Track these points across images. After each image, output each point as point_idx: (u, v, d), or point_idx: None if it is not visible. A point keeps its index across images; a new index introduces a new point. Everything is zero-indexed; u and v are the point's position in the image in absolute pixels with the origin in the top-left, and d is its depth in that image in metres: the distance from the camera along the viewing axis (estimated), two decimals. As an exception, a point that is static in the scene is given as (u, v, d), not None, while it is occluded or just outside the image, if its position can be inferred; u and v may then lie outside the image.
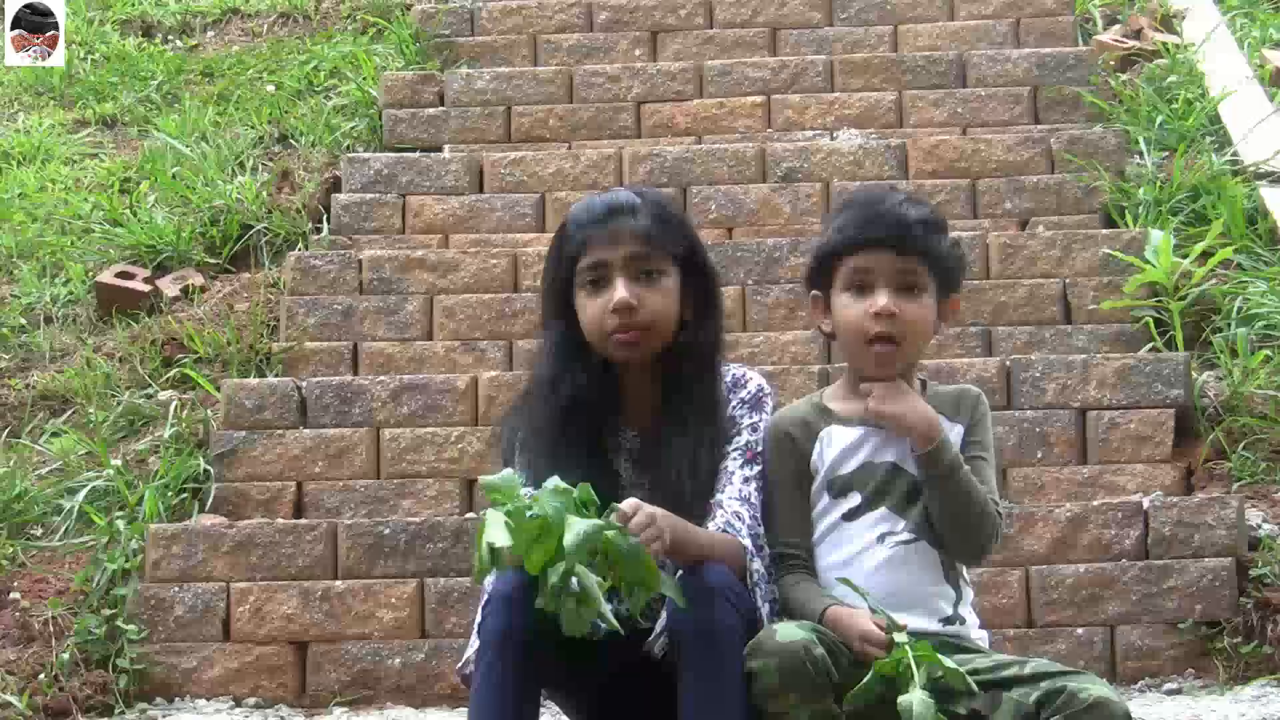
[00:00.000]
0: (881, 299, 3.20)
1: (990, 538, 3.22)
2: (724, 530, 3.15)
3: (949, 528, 3.18)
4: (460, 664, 3.21)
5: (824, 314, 3.31)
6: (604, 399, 3.20)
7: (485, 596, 3.11)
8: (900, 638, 3.02)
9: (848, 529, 3.21)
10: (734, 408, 3.28)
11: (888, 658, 3.00)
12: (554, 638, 3.03)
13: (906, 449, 3.22)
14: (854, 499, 3.22)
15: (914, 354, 3.28)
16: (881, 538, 3.19)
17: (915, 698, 2.93)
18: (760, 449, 3.26)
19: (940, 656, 3.00)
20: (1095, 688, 2.97)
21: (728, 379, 3.31)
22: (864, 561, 3.18)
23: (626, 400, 3.27)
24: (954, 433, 3.24)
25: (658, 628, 3.10)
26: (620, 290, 3.19)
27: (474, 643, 3.14)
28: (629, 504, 2.99)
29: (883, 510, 3.21)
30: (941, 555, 3.20)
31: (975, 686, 3.03)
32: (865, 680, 2.98)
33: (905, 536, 3.19)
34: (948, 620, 3.19)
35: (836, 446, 3.24)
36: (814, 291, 3.34)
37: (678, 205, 3.44)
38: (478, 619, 3.14)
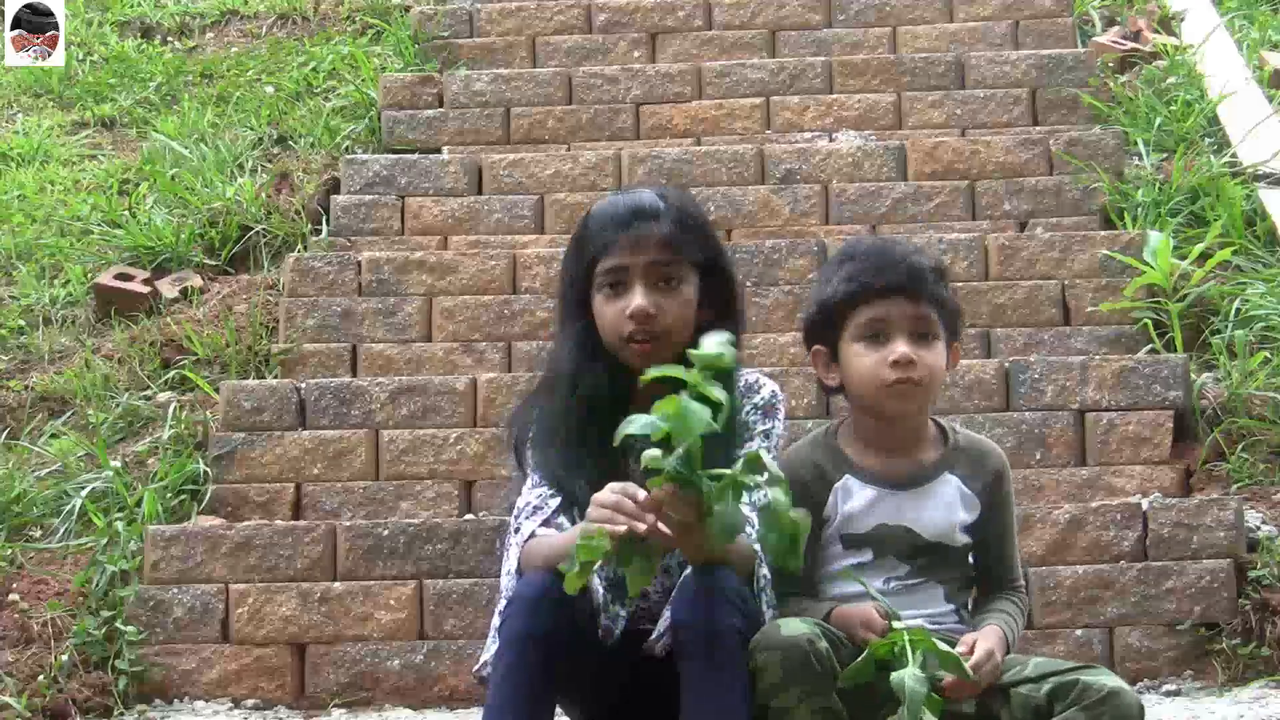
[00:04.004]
0: (901, 346, 3.19)
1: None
2: None
3: None
4: (478, 666, 3.21)
5: (828, 368, 3.29)
6: (619, 398, 3.20)
7: (506, 598, 3.12)
8: (898, 624, 3.03)
9: (859, 574, 3.23)
10: (747, 413, 3.27)
11: (884, 640, 3.01)
12: (570, 640, 3.03)
13: (920, 513, 3.24)
14: (866, 554, 3.25)
15: (932, 399, 3.29)
16: (887, 580, 3.21)
17: (908, 674, 2.92)
18: (773, 455, 3.25)
19: (936, 642, 3.00)
20: (1109, 679, 3.00)
21: (740, 383, 3.30)
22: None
23: (641, 401, 3.27)
24: (966, 506, 3.26)
25: (659, 628, 3.10)
26: (638, 298, 3.19)
27: (491, 644, 3.14)
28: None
29: (891, 560, 3.24)
30: (945, 591, 3.22)
31: (970, 672, 3.04)
32: (859, 660, 2.98)
33: (912, 582, 3.21)
34: (951, 630, 3.20)
35: (853, 502, 3.26)
36: (816, 346, 3.31)
37: (701, 208, 3.41)
38: (496, 621, 3.14)
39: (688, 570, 3.08)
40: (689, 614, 3.02)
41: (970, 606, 3.30)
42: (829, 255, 5.75)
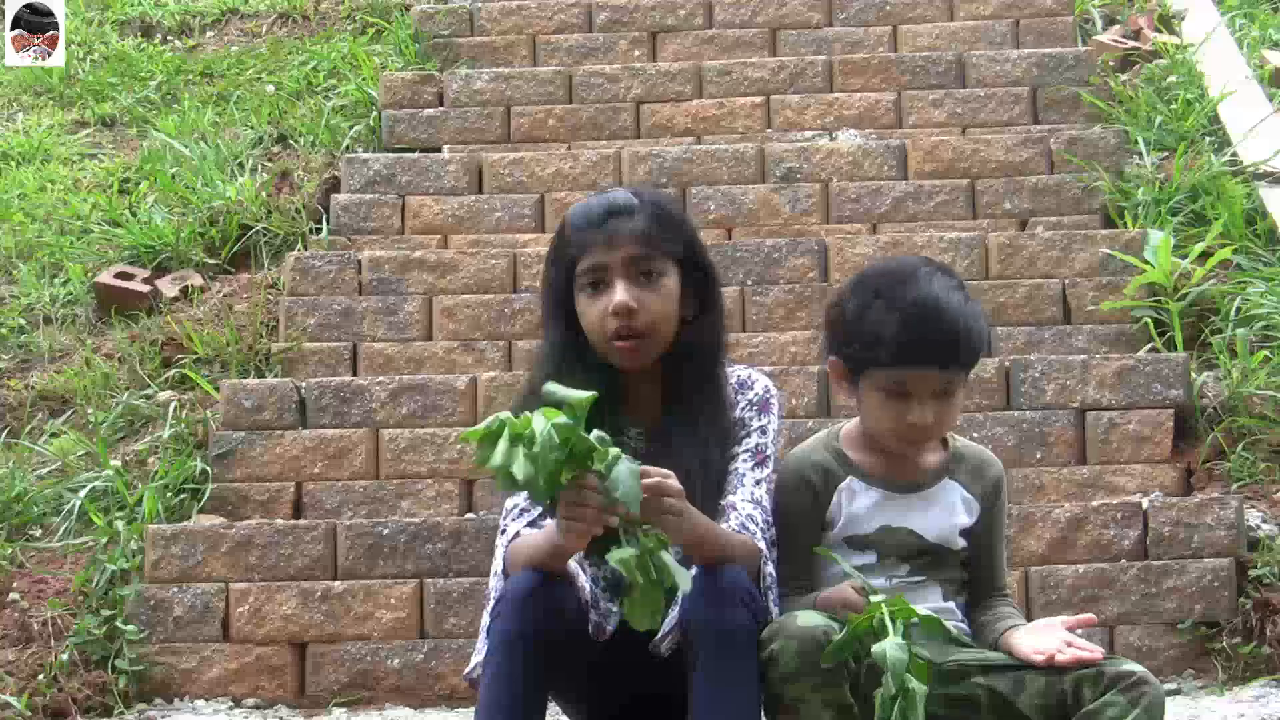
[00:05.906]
0: (925, 415, 3.18)
1: None
2: (739, 532, 3.15)
3: None
4: (469, 669, 3.20)
5: (843, 380, 3.27)
6: (606, 398, 3.19)
7: (495, 599, 3.11)
8: (876, 596, 3.01)
9: (862, 574, 3.23)
10: (742, 409, 3.27)
11: (863, 615, 3.00)
12: (560, 639, 3.03)
13: (923, 516, 3.25)
14: (870, 556, 3.24)
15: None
16: (889, 579, 3.21)
17: (889, 644, 2.90)
18: (770, 451, 3.26)
19: (915, 607, 2.99)
20: (1135, 665, 3.02)
21: (733, 380, 3.30)
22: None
23: (630, 399, 3.27)
24: (968, 511, 3.27)
25: (665, 627, 3.09)
26: (619, 293, 3.18)
27: (481, 647, 3.14)
28: (662, 472, 2.97)
29: (893, 560, 3.24)
30: (943, 591, 3.23)
31: (953, 631, 3.05)
32: (841, 636, 2.96)
33: (913, 580, 3.21)
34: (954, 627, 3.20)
35: (857, 504, 3.25)
36: (833, 356, 3.28)
37: (677, 204, 3.41)
38: (485, 621, 3.14)
39: (694, 569, 3.08)
40: (698, 612, 3.01)
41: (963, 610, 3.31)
42: (830, 255, 5.78)
